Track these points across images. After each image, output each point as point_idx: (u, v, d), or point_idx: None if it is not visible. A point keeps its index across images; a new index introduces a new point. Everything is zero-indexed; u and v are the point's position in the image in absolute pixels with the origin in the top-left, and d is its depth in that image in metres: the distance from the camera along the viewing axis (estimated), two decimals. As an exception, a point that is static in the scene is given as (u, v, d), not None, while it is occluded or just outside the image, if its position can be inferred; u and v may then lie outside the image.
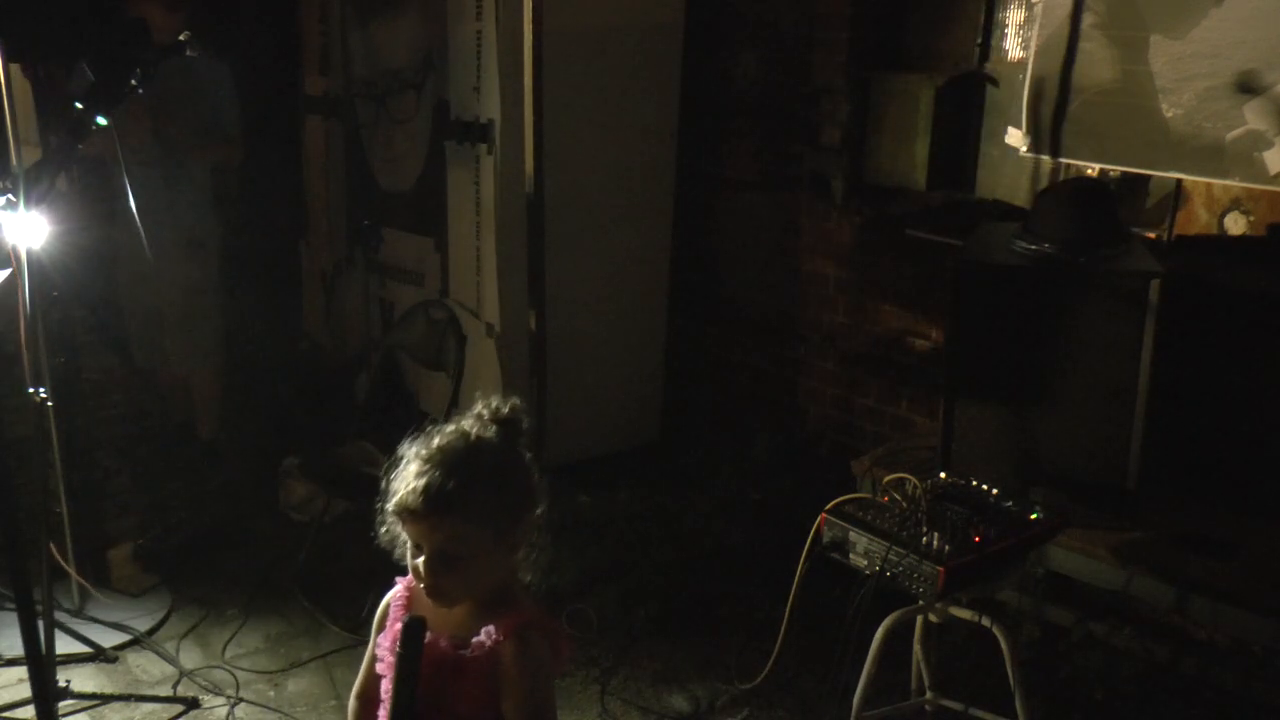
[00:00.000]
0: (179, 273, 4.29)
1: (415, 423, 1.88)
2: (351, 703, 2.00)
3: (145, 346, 4.44)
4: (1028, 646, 3.31)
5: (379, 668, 1.90)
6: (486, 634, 1.78)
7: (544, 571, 1.90)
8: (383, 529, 1.82)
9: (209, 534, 4.11)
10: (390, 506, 1.76)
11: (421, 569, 1.77)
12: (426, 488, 1.72)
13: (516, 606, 1.82)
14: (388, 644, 1.88)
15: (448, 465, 1.73)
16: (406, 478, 1.75)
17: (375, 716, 1.89)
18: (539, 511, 1.85)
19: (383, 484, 1.79)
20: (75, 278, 3.62)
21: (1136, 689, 3.24)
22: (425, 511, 1.72)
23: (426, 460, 1.75)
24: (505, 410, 1.83)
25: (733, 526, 4.31)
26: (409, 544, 1.79)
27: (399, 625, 1.86)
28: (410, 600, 1.89)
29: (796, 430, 4.70)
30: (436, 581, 1.78)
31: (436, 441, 1.78)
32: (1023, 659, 2.80)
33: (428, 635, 1.80)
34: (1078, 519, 3.06)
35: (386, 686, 1.84)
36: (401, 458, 1.79)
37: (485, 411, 1.83)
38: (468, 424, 1.82)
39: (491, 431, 1.81)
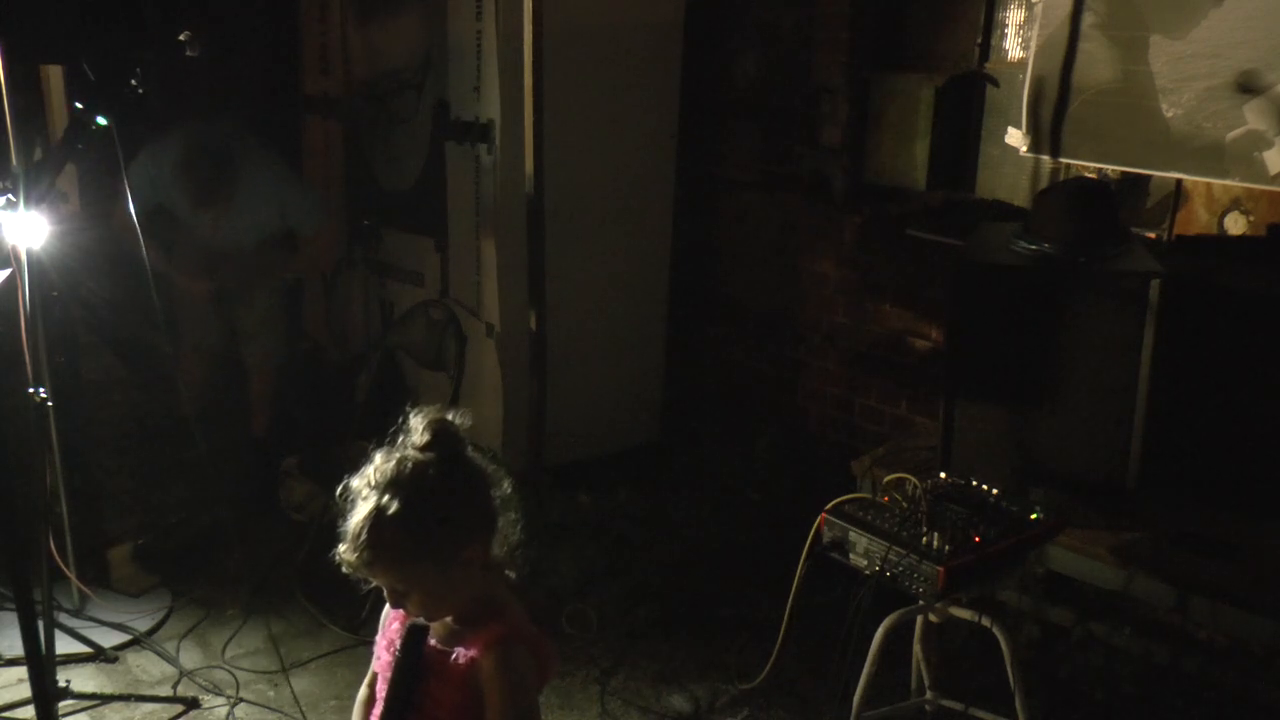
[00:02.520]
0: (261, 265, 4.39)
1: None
2: (362, 690, 2.02)
3: (191, 329, 4.47)
4: (1028, 646, 3.31)
5: (376, 666, 1.91)
6: (472, 643, 1.77)
7: (528, 565, 1.88)
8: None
9: (209, 534, 4.11)
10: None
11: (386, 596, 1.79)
12: (351, 540, 1.70)
13: (500, 616, 1.81)
14: (384, 643, 1.89)
15: (370, 513, 1.69)
16: (349, 518, 1.73)
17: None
18: (496, 510, 1.81)
19: (340, 521, 1.75)
20: (76, 275, 3.64)
21: (1136, 689, 3.24)
22: (355, 564, 1.71)
23: (362, 508, 1.71)
24: (428, 435, 1.75)
25: (733, 526, 4.31)
26: None
27: (395, 625, 1.88)
28: None
29: (796, 430, 4.70)
30: (406, 610, 1.79)
31: (370, 477, 1.73)
32: (1023, 659, 2.80)
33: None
34: (1078, 519, 3.06)
35: (382, 686, 1.85)
36: (349, 489, 1.75)
37: (415, 435, 1.76)
38: (405, 447, 1.76)
39: (422, 463, 1.73)
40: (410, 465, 1.72)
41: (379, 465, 1.73)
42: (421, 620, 1.80)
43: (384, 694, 1.84)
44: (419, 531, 1.71)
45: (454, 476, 1.76)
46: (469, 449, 1.80)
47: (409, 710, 1.79)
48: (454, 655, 1.78)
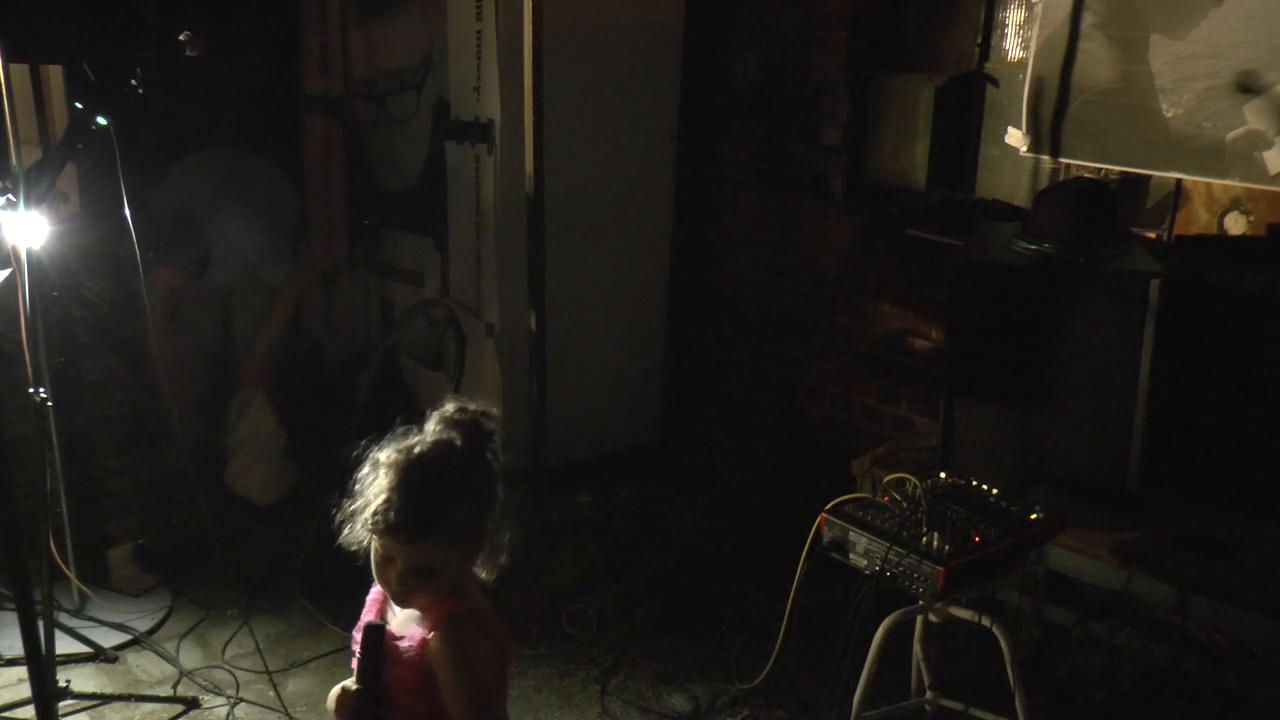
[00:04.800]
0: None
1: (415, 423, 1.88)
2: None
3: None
4: (1028, 646, 3.31)
5: (354, 662, 1.92)
6: (424, 624, 1.79)
7: (503, 569, 1.88)
8: (348, 531, 1.79)
9: (209, 534, 4.11)
10: (368, 522, 1.74)
11: (393, 581, 1.78)
12: (410, 509, 1.70)
13: (453, 597, 1.81)
14: (359, 637, 1.90)
15: (429, 484, 1.72)
16: (381, 488, 1.73)
17: None
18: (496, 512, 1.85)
19: (354, 485, 1.76)
20: (76, 275, 3.64)
21: (1136, 689, 3.24)
22: (409, 536, 1.71)
23: (405, 474, 1.73)
24: (474, 416, 1.79)
25: (733, 526, 4.31)
26: (376, 552, 1.79)
27: (368, 617, 1.89)
28: (385, 596, 1.90)
29: (796, 430, 4.70)
30: (409, 595, 1.79)
31: (416, 450, 1.75)
32: (1023, 659, 2.80)
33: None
34: (1078, 519, 3.06)
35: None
36: (373, 459, 1.77)
37: (456, 415, 1.80)
38: (440, 431, 1.79)
39: (461, 438, 1.77)
40: (463, 444, 1.76)
41: (427, 443, 1.76)
42: (380, 621, 1.81)
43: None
44: (474, 514, 1.76)
45: (491, 465, 1.80)
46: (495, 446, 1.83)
47: (378, 706, 1.81)
48: (407, 639, 1.80)
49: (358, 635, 1.91)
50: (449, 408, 1.81)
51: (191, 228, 4.05)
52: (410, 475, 1.73)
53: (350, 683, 1.84)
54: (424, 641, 1.78)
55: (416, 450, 1.75)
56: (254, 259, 4.26)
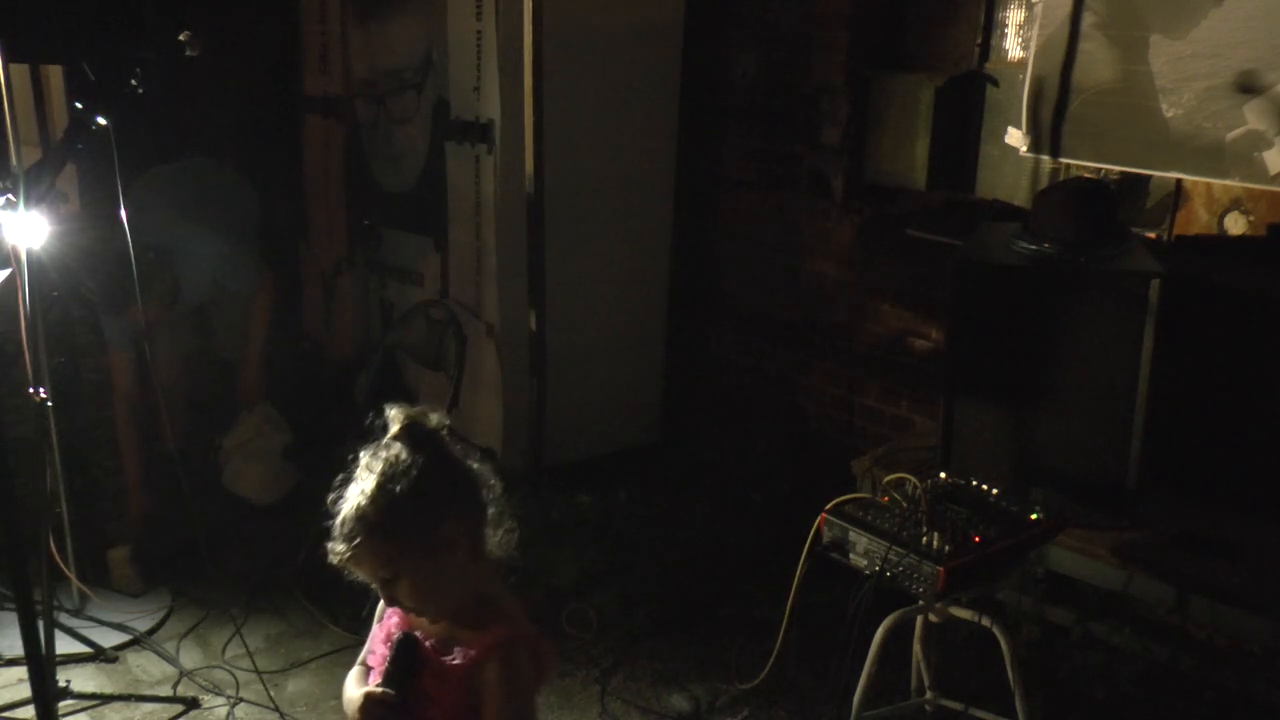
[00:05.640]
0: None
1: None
2: (354, 670, 2.00)
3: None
4: (1028, 646, 3.31)
5: (370, 659, 1.92)
6: (472, 645, 1.78)
7: (518, 547, 1.89)
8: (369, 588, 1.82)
9: (209, 534, 4.11)
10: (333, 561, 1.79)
11: (388, 598, 1.81)
12: (336, 530, 1.75)
13: (500, 617, 1.82)
14: (381, 636, 1.90)
15: (346, 504, 1.76)
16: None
17: None
18: (481, 497, 1.84)
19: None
20: (76, 275, 3.63)
21: (1136, 689, 3.24)
22: (341, 555, 1.75)
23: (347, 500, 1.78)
24: (395, 426, 1.82)
25: (733, 526, 4.31)
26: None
27: (394, 619, 1.88)
28: None
29: (796, 430, 4.70)
30: (400, 605, 1.81)
31: (356, 476, 1.80)
32: (1023, 659, 2.80)
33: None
34: (1078, 519, 3.06)
35: (374, 680, 1.86)
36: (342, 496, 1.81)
37: (397, 434, 1.82)
38: (367, 453, 1.82)
39: (394, 449, 1.79)
40: (382, 453, 1.79)
41: (361, 465, 1.80)
42: (413, 632, 1.81)
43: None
44: (399, 505, 1.74)
45: (423, 456, 1.79)
46: (442, 441, 1.84)
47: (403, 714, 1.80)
48: (453, 657, 1.79)
49: (377, 629, 1.92)
50: (391, 428, 1.83)
51: (162, 256, 3.87)
52: (349, 502, 1.76)
53: (373, 687, 1.83)
54: (473, 660, 1.77)
55: (357, 477, 1.79)
56: (220, 272, 4.11)
